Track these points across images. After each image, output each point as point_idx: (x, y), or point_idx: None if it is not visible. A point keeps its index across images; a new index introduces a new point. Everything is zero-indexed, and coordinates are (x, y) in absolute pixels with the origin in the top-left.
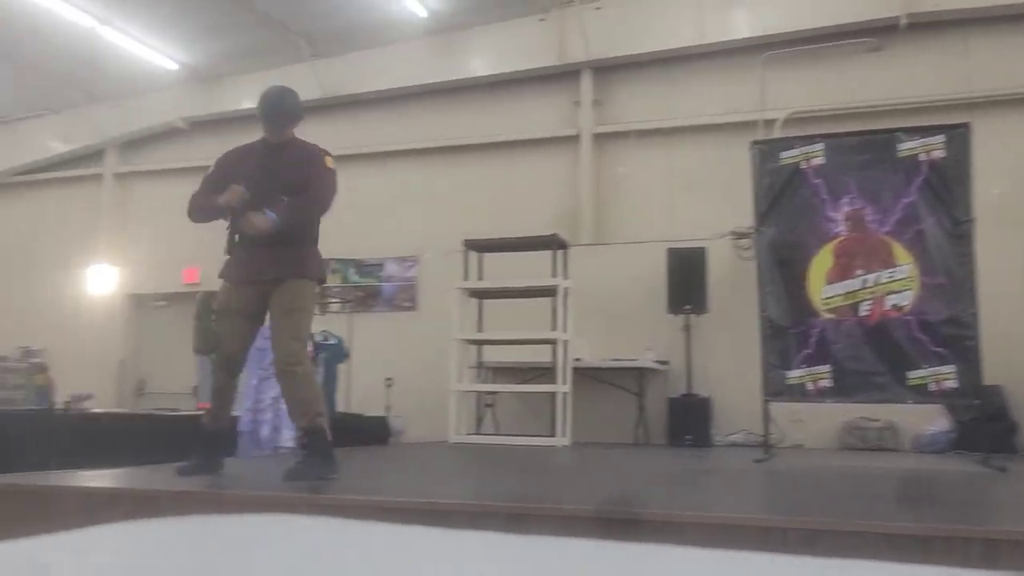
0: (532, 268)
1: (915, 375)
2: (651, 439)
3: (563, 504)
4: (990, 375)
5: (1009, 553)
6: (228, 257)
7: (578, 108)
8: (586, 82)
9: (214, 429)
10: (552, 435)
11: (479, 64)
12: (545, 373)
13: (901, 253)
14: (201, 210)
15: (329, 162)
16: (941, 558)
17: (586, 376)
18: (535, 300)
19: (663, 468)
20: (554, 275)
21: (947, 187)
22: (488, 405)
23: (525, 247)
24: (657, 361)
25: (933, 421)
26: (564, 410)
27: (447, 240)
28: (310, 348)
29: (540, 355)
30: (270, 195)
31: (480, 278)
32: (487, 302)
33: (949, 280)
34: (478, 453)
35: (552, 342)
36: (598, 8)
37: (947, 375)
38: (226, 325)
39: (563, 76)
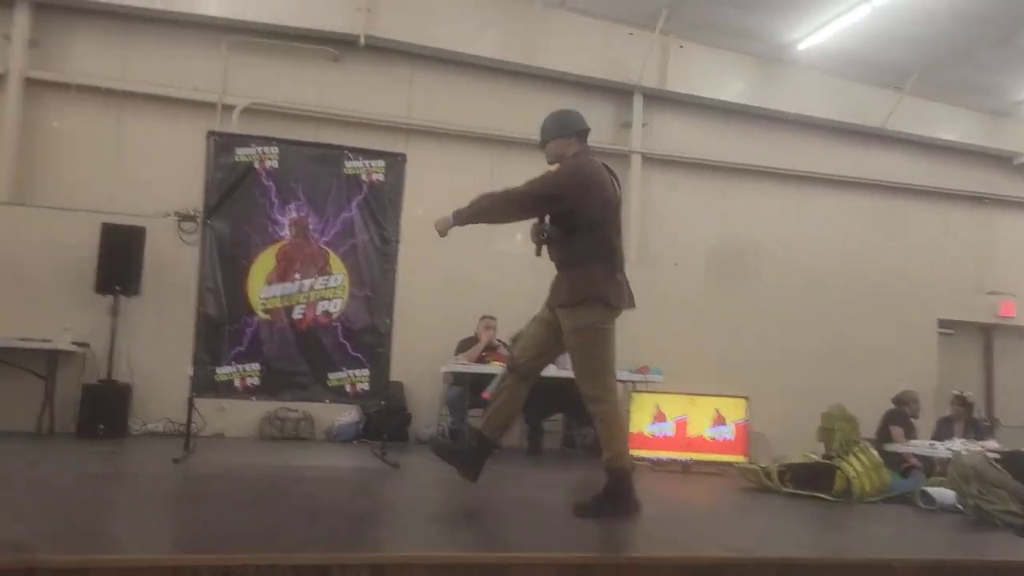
0: None
1: (335, 377)
2: (59, 428)
3: None
4: (395, 373)
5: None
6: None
7: (8, 44)
8: (21, 17)
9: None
10: None
11: None
12: None
13: (336, 263)
14: None
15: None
16: None
17: None
18: None
19: (57, 469)
20: None
21: (382, 208)
22: None
23: None
24: (75, 343)
25: (345, 413)
26: None
27: None
28: None
29: None
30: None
31: None
32: None
33: (374, 293)
34: None
35: None
36: None
37: (361, 378)
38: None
39: None
